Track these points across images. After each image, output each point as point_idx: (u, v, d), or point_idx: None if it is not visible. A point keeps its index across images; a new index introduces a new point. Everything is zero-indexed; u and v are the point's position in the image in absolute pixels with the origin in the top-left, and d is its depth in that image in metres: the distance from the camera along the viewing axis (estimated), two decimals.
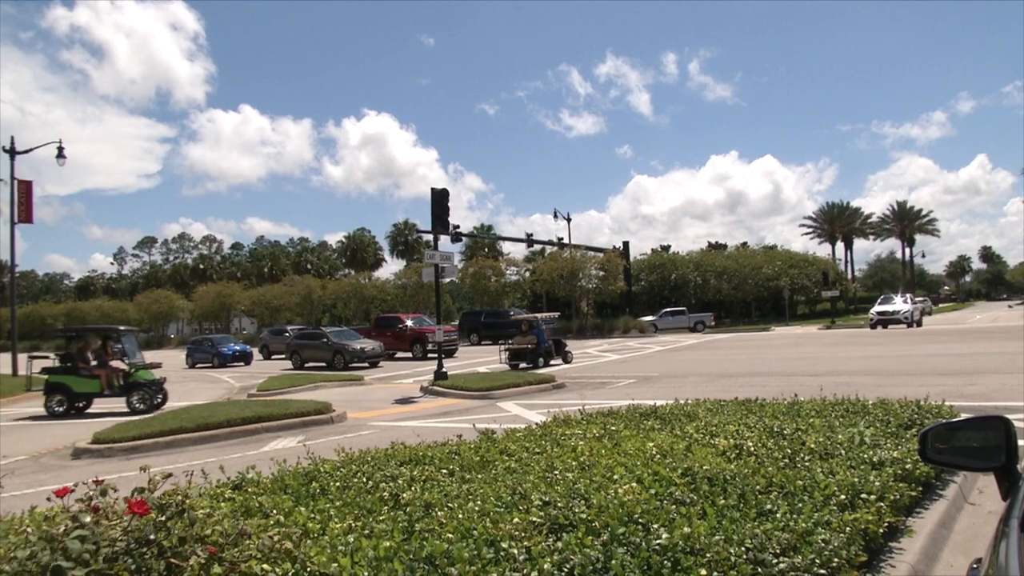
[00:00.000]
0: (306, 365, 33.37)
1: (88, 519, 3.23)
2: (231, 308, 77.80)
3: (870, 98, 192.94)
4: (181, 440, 12.58)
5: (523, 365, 27.26)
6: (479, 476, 5.80)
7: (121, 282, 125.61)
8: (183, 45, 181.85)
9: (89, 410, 18.98)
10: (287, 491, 5.56)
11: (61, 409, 18.41)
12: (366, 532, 4.24)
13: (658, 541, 3.82)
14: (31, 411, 19.19)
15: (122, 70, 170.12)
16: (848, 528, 4.32)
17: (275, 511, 4.77)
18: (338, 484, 5.67)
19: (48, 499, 3.84)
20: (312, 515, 4.68)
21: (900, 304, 43.97)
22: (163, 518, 3.34)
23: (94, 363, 18.96)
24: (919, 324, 43.05)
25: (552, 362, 27.97)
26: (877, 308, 44.69)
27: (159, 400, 18.57)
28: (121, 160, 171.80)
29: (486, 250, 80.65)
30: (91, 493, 3.51)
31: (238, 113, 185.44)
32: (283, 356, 39.55)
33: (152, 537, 3.17)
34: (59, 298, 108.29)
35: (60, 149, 31.11)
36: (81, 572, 2.89)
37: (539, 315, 31.56)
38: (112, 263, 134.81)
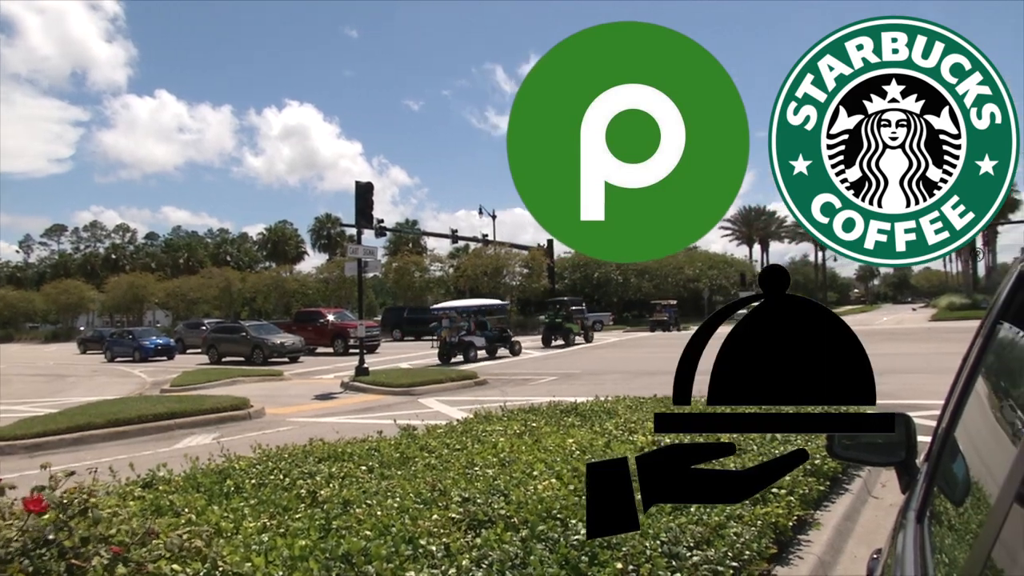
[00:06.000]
0: (224, 360, 32.51)
1: None
2: (144, 300, 75.22)
3: None
4: (89, 436, 12.11)
5: (659, 330, 44.28)
6: (399, 473, 5.75)
7: (27, 271, 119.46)
8: (101, 25, 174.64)
9: None
10: (200, 489, 5.41)
11: None
12: (281, 530, 4.15)
13: (576, 536, 3.86)
14: None
15: (34, 47, 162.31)
16: (759, 522, 4.45)
17: (187, 510, 4.63)
18: (253, 482, 5.54)
19: None
20: (226, 514, 4.56)
21: None
22: (65, 517, 3.20)
23: None
24: None
25: (672, 329, 45.08)
26: None
27: None
28: (31, 143, 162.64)
29: (410, 245, 79.96)
30: None
31: (154, 98, 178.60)
32: (199, 350, 38.46)
33: (52, 537, 3.04)
34: None
35: None
36: None
37: (667, 301, 49.87)
38: (18, 251, 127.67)
